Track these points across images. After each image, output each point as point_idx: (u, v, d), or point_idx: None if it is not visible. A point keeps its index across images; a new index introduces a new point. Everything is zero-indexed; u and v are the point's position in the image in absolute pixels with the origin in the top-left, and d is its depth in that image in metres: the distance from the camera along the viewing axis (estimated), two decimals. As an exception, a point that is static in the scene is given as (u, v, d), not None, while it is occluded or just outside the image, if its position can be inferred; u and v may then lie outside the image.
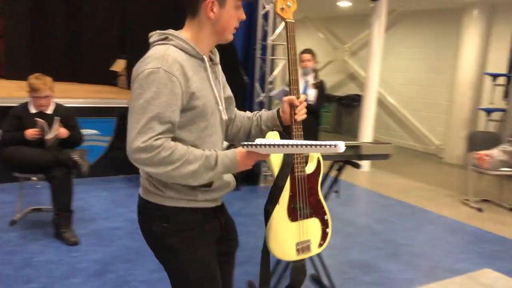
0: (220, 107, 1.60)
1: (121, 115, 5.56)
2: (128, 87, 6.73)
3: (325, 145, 1.35)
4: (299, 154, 1.84)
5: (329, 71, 10.82)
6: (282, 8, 1.84)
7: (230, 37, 1.63)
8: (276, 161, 1.79)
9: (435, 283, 3.28)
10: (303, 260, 1.96)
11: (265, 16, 5.43)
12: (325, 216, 1.95)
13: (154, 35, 1.59)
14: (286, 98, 1.77)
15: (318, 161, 1.95)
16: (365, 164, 6.86)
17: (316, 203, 1.93)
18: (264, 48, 5.45)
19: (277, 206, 1.82)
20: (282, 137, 1.76)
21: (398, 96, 9.13)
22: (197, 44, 1.56)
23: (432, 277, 3.37)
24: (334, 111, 10.33)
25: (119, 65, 7.38)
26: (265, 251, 1.84)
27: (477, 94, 7.47)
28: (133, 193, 4.94)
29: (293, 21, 1.85)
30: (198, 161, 1.44)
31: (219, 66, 1.70)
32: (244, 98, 5.51)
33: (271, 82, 5.46)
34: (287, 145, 1.39)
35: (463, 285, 3.30)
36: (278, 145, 1.41)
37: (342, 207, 4.91)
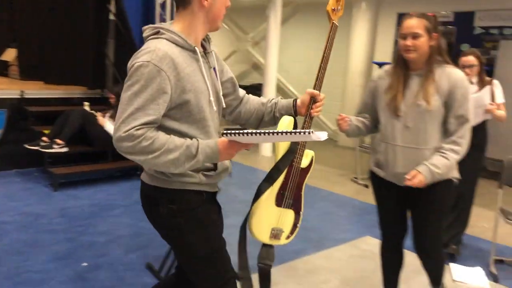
0: (211, 98, 1.62)
1: (12, 106, 5.29)
2: (20, 77, 6.40)
3: (302, 133, 1.40)
4: (302, 147, 1.93)
5: (233, 61, 11.02)
6: (333, 10, 1.98)
7: (220, 25, 1.68)
8: (282, 146, 1.86)
9: (322, 252, 3.61)
10: (272, 247, 2.02)
11: (163, 6, 5.45)
12: (300, 212, 2.03)
13: (147, 30, 1.62)
14: (309, 91, 1.88)
15: (312, 159, 2.04)
16: (268, 149, 7.17)
17: (298, 197, 2.00)
18: (162, 37, 5.47)
19: (271, 187, 1.91)
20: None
21: (298, 84, 9.59)
22: (189, 36, 1.60)
23: (320, 247, 3.69)
24: (239, 100, 10.58)
25: (9, 54, 6.95)
26: (243, 235, 1.93)
27: (366, 81, 8.09)
28: (28, 187, 4.77)
29: (338, 25, 1.97)
30: (178, 149, 1.49)
31: (214, 53, 1.73)
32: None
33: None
34: (266, 133, 1.42)
35: (346, 251, 3.66)
36: (258, 133, 1.42)
37: (242, 190, 5.13)
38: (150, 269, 3.11)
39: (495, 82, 3.63)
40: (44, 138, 4.86)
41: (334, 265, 3.39)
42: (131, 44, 5.25)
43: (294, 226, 2.03)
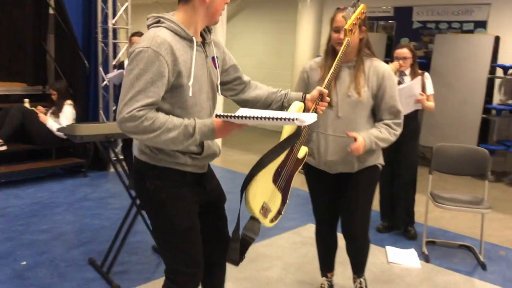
0: (190, 83, 1.68)
1: None
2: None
3: (289, 118, 1.50)
4: (304, 136, 2.02)
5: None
6: (350, 30, 2.11)
7: (218, 20, 1.77)
8: (289, 128, 1.94)
9: (265, 240, 3.71)
10: (259, 222, 1.92)
11: (104, 1, 5.36)
12: (286, 202, 2.03)
13: (150, 19, 1.72)
14: (319, 89, 1.96)
15: (305, 153, 2.09)
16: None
17: (287, 186, 2.02)
18: (105, 31, 5.40)
19: (272, 162, 1.93)
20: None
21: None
22: (188, 26, 1.69)
23: (264, 236, 3.78)
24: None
25: None
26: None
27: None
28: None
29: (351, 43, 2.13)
30: (177, 128, 1.60)
31: (213, 42, 1.83)
32: (88, 83, 5.40)
33: (115, 66, 5.43)
34: (258, 117, 1.52)
35: (289, 239, 3.78)
36: (249, 117, 1.53)
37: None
38: (92, 264, 3.11)
39: (426, 74, 3.83)
40: (-18, 137, 4.71)
41: (277, 252, 3.50)
42: (72, 39, 5.14)
43: (278, 213, 2.03)
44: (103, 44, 5.44)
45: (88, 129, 2.59)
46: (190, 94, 1.71)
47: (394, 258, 3.47)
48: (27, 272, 2.98)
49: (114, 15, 5.44)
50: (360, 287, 2.73)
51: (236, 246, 1.86)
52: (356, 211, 2.50)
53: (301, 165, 2.09)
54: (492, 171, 6.10)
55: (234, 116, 1.56)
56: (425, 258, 3.50)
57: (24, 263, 3.10)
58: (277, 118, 1.53)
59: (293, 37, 8.34)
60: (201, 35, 1.80)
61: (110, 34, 5.37)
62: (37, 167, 5.05)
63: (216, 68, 1.85)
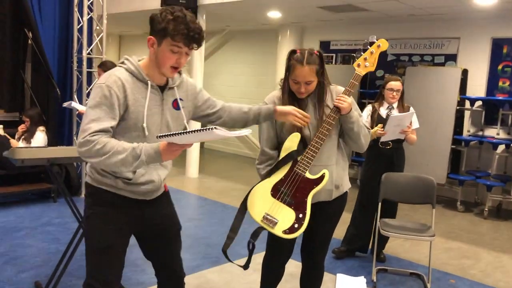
0: (144, 125, 1.86)
1: None
2: None
3: (203, 130, 1.64)
4: (308, 157, 2.25)
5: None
6: (359, 64, 2.33)
7: (167, 73, 1.88)
8: (284, 151, 2.27)
9: (217, 267, 3.75)
10: (263, 229, 2.30)
11: (80, 30, 5.56)
12: (301, 215, 2.24)
13: (121, 59, 1.95)
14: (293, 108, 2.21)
15: (323, 176, 2.27)
16: (194, 171, 7.31)
17: (300, 201, 2.26)
18: (80, 60, 5.58)
19: (268, 178, 2.30)
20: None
21: (232, 108, 9.82)
22: (148, 70, 1.90)
23: (217, 263, 3.83)
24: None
25: None
26: (243, 206, 2.32)
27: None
28: None
29: (361, 75, 2.32)
30: (126, 151, 1.73)
31: (181, 85, 2.01)
32: (60, 110, 5.54)
33: (88, 94, 5.58)
34: (191, 132, 1.64)
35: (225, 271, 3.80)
36: (184, 133, 1.65)
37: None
38: (37, 287, 3.15)
39: (412, 109, 3.91)
40: (-48, 162, 4.81)
41: (225, 278, 3.53)
42: (46, 68, 5.31)
43: (294, 226, 2.24)
44: (77, 73, 5.61)
45: (29, 153, 2.69)
46: (147, 133, 1.88)
47: (342, 285, 3.50)
48: (-28, 294, 3.03)
49: (89, 44, 5.63)
50: None
51: (228, 244, 2.42)
52: (326, 242, 2.57)
53: (318, 185, 2.28)
54: (461, 201, 6.17)
55: (173, 135, 1.68)
56: (373, 285, 3.53)
57: (-29, 285, 3.15)
58: (199, 130, 1.66)
59: (274, 68, 8.54)
60: (167, 79, 1.96)
61: (85, 63, 5.54)
62: (7, 192, 5.13)
63: (179, 109, 1.99)
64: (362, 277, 3.66)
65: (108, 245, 1.93)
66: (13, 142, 5.06)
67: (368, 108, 3.97)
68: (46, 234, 4.26)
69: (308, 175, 2.28)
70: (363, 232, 4.02)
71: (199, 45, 1.85)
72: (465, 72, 6.37)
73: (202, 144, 9.87)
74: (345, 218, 4.13)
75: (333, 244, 4.27)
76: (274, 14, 7.35)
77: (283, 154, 2.31)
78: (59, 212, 4.95)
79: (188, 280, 3.43)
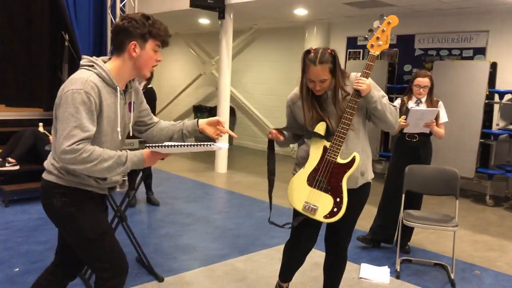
0: (118, 129, 2.01)
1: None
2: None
3: (204, 145, 1.88)
4: (337, 143, 2.38)
5: (199, 83, 11.44)
6: (372, 45, 2.41)
7: (147, 74, 2.05)
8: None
9: (244, 256, 3.90)
10: (304, 216, 2.49)
11: (113, 32, 5.81)
12: (338, 199, 2.41)
13: (84, 60, 1.99)
14: (217, 118, 2.31)
15: (354, 158, 2.41)
16: (223, 167, 7.49)
17: (336, 186, 2.42)
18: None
19: (302, 169, 2.50)
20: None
21: (260, 105, 9.98)
22: (117, 75, 1.98)
23: (244, 252, 3.98)
24: (206, 121, 10.93)
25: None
26: (270, 150, 2.67)
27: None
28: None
29: (375, 54, 2.39)
30: (112, 159, 1.87)
31: (135, 91, 2.16)
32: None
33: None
34: (178, 146, 1.93)
35: (267, 255, 3.95)
36: (171, 146, 1.93)
37: (188, 203, 5.43)
38: (77, 272, 3.37)
39: (440, 103, 3.99)
40: (-3, 157, 5.13)
41: (252, 267, 3.68)
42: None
43: (333, 211, 2.43)
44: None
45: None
46: (120, 137, 2.04)
47: (365, 274, 3.59)
48: (18, 277, 3.28)
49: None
50: None
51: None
52: (349, 230, 2.68)
53: (350, 168, 2.42)
54: (490, 195, 6.12)
55: (161, 146, 1.93)
56: (396, 275, 3.61)
57: (17, 269, 3.40)
58: (196, 145, 1.93)
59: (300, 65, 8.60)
60: (126, 85, 2.09)
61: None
62: (47, 186, 5.42)
63: (131, 111, 2.14)
64: (386, 267, 3.74)
65: (103, 231, 2.07)
66: (52, 138, 5.34)
67: (397, 102, 4.05)
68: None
69: (339, 160, 2.42)
70: (388, 223, 4.09)
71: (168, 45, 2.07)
72: (494, 66, 6.30)
73: (230, 141, 10.07)
74: (372, 210, 4.24)
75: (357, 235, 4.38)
76: (301, 12, 7.45)
77: (312, 142, 2.49)
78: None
79: (217, 267, 3.63)
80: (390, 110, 2.47)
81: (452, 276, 3.58)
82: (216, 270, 3.59)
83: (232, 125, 10.46)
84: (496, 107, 6.46)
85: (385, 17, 2.44)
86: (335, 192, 2.44)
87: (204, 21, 9.16)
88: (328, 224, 2.69)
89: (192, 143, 1.93)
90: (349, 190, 2.47)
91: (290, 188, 2.54)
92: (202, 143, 1.91)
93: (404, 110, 3.91)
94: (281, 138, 2.61)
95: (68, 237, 2.09)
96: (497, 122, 6.41)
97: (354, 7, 6.81)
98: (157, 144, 1.95)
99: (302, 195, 2.50)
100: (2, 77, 6.50)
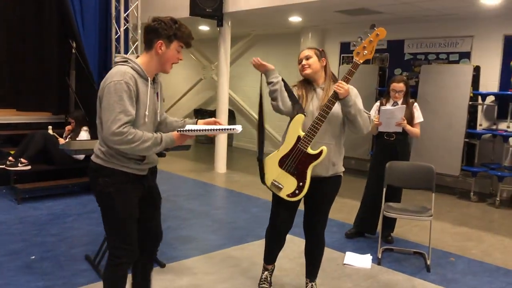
0: (146, 112, 2.33)
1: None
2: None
3: (229, 129, 2.35)
4: (309, 135, 2.74)
5: (200, 88, 11.82)
6: (358, 53, 2.72)
7: (168, 70, 2.41)
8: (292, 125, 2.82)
9: (239, 245, 4.25)
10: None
11: (118, 40, 6.19)
12: (301, 183, 2.81)
13: (118, 58, 2.36)
14: (215, 119, 2.57)
15: (321, 152, 2.76)
16: (222, 167, 7.85)
17: (302, 172, 2.80)
18: (118, 67, 6.20)
19: (277, 151, 2.87)
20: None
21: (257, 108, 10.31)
22: (146, 68, 2.33)
23: (240, 242, 4.33)
24: (207, 124, 11.28)
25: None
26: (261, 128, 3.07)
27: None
28: (-6, 201, 5.40)
29: (359, 62, 2.71)
30: (150, 140, 2.24)
31: (159, 84, 2.51)
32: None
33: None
34: (204, 130, 2.41)
35: (261, 244, 4.27)
36: (199, 130, 2.38)
37: (189, 200, 5.78)
38: (88, 259, 3.73)
39: (416, 104, 4.37)
40: (10, 158, 5.51)
41: (246, 255, 4.03)
42: (89, 75, 5.96)
43: (294, 192, 2.84)
44: (116, 78, 6.23)
45: (80, 145, 3.27)
46: (147, 120, 2.37)
47: (349, 261, 3.94)
48: (34, 264, 3.64)
49: (126, 52, 6.24)
50: None
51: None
52: (324, 217, 3.05)
53: (317, 159, 2.77)
54: (475, 192, 6.47)
55: (188, 130, 2.35)
56: (377, 261, 3.95)
57: (33, 257, 3.76)
58: (219, 129, 2.44)
59: (297, 69, 8.96)
60: (154, 76, 2.47)
61: (122, 69, 6.15)
62: (56, 185, 5.81)
63: (158, 101, 2.51)
64: (369, 254, 4.08)
65: (131, 214, 2.43)
66: (61, 140, 5.72)
67: (376, 104, 4.42)
68: (91, 219, 4.87)
69: (309, 150, 2.79)
70: (370, 215, 4.45)
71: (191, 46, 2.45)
72: (477, 69, 6.66)
73: (230, 143, 10.42)
74: (357, 205, 4.61)
75: (346, 227, 4.73)
76: (295, 19, 7.82)
77: (289, 130, 2.86)
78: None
79: (214, 255, 3.99)
80: (362, 117, 2.85)
81: (428, 262, 3.93)
82: (214, 258, 3.95)
83: (231, 128, 10.80)
84: (480, 108, 6.81)
85: (375, 28, 2.75)
86: (300, 176, 2.82)
87: (204, 28, 9.54)
88: (305, 213, 3.08)
89: (214, 127, 2.38)
90: (320, 178, 2.86)
91: (267, 162, 2.90)
92: (223, 127, 2.39)
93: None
94: (266, 65, 2.94)
95: (102, 211, 2.45)
96: (480, 123, 6.76)
97: (345, 15, 7.17)
98: (185, 129, 2.34)
99: (273, 173, 2.88)
100: (14, 83, 6.90)
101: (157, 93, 2.49)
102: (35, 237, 4.24)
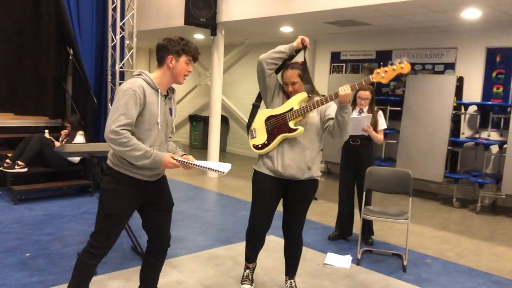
0: (158, 120, 2.57)
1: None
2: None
3: (217, 170, 2.58)
4: (298, 113, 2.97)
5: (195, 94, 12.05)
6: (378, 73, 2.88)
7: (181, 81, 2.65)
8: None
9: (226, 246, 4.45)
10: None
11: (114, 47, 6.41)
12: (266, 142, 3.09)
13: (136, 71, 2.64)
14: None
15: (297, 130, 3.00)
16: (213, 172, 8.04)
17: (274, 135, 3.07)
18: (113, 74, 6.42)
19: (271, 109, 3.10)
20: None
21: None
22: (158, 81, 2.59)
23: (226, 243, 4.53)
24: (201, 130, 11.49)
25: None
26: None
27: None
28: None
29: (373, 80, 2.88)
30: (142, 151, 2.45)
31: (173, 99, 2.74)
32: (99, 117, 6.38)
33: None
34: (196, 165, 2.58)
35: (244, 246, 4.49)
36: (191, 164, 2.57)
37: (180, 203, 5.98)
38: (80, 257, 3.92)
39: (380, 112, 4.61)
40: (7, 160, 5.70)
41: (232, 254, 4.23)
42: (85, 80, 6.17)
43: (258, 146, 3.14)
44: (111, 84, 6.45)
45: (74, 148, 3.47)
46: (159, 127, 2.61)
47: (329, 261, 4.14)
48: (28, 260, 3.82)
49: (121, 59, 6.47)
50: (290, 287, 3.40)
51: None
52: (300, 218, 3.24)
53: (290, 133, 3.01)
54: (457, 198, 6.69)
55: (180, 161, 2.58)
56: (357, 262, 4.16)
57: (28, 254, 3.95)
58: (208, 168, 2.62)
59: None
60: (168, 91, 2.71)
61: (118, 76, 6.38)
62: (51, 187, 6.00)
63: (171, 115, 2.74)
64: (349, 255, 4.29)
65: (118, 214, 2.64)
66: (57, 144, 5.91)
67: None
68: (85, 220, 5.06)
69: (290, 123, 3.01)
70: (345, 218, 4.74)
71: (198, 59, 2.70)
72: (460, 79, 6.91)
73: (223, 148, 10.64)
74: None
75: (330, 230, 4.93)
76: (286, 29, 8.06)
77: (291, 100, 3.08)
78: (96, 203, 5.72)
79: (201, 254, 4.20)
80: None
81: (405, 263, 4.13)
82: (200, 257, 4.14)
83: (225, 134, 11.04)
84: (463, 117, 7.05)
85: (405, 62, 2.86)
86: (270, 137, 3.10)
87: (198, 36, 9.77)
88: (283, 213, 3.29)
89: (204, 164, 2.60)
90: (296, 181, 3.08)
91: (257, 114, 3.20)
92: (213, 167, 2.61)
93: None
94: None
95: (98, 204, 2.68)
96: (463, 131, 7.00)
97: (335, 26, 7.42)
98: (178, 158, 2.56)
99: (256, 123, 3.18)
100: (12, 88, 7.11)
101: (170, 109, 2.73)
102: (30, 236, 4.43)
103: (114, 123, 2.41)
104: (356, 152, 4.56)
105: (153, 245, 2.91)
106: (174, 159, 2.54)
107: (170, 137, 2.88)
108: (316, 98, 3.03)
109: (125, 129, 2.43)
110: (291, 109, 3.04)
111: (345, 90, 2.88)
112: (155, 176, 2.71)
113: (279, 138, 3.05)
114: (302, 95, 3.05)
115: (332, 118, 3.04)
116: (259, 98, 3.26)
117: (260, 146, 3.13)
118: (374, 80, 2.90)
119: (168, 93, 2.71)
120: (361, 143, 4.53)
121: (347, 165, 4.61)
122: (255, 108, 3.23)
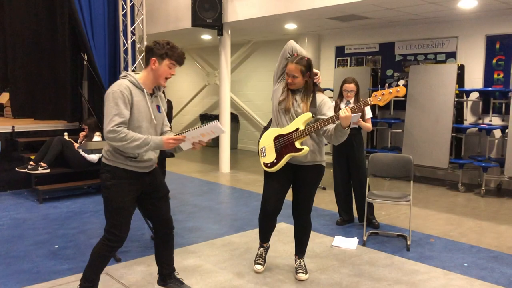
0: (152, 116, 2.85)
1: (6, 139, 6.50)
2: (12, 116, 7.68)
3: (213, 131, 2.80)
4: (303, 133, 3.21)
5: (205, 93, 12.35)
6: (375, 95, 3.08)
7: (162, 83, 2.88)
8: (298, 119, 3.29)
9: (239, 233, 4.73)
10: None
11: (126, 51, 6.72)
12: (275, 161, 3.32)
13: (122, 74, 2.87)
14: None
15: (303, 150, 3.23)
16: (226, 167, 8.34)
17: (282, 154, 3.31)
18: (126, 77, 6.73)
19: (279, 128, 3.34)
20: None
21: (260, 111, 10.84)
22: (143, 82, 2.83)
23: (239, 230, 4.81)
24: (212, 128, 11.79)
25: (4, 98, 8.22)
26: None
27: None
28: (19, 202, 5.93)
29: (371, 103, 3.10)
30: (140, 139, 2.71)
31: (160, 97, 2.99)
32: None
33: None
34: (188, 131, 2.79)
35: (257, 232, 4.76)
36: (187, 131, 2.78)
37: (195, 197, 6.28)
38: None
39: (368, 108, 4.84)
40: (31, 162, 6.04)
41: (244, 241, 4.50)
42: (100, 84, 6.49)
43: (268, 165, 3.39)
44: (125, 87, 6.76)
45: (96, 145, 3.77)
46: (149, 124, 2.87)
47: (337, 243, 4.40)
48: (58, 251, 4.15)
49: (133, 62, 6.78)
50: (299, 266, 3.67)
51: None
52: (308, 201, 3.52)
53: (296, 152, 3.25)
54: (463, 183, 6.89)
55: (180, 134, 2.85)
56: (363, 243, 4.41)
57: (57, 246, 4.27)
58: (201, 127, 2.82)
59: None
60: (153, 90, 2.96)
61: (130, 78, 6.68)
62: (73, 186, 6.34)
63: (159, 112, 2.98)
64: (355, 238, 4.54)
65: (124, 206, 2.89)
66: (76, 145, 6.25)
67: (332, 104, 4.90)
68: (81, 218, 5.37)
69: (296, 143, 3.26)
70: (344, 203, 5.05)
71: (183, 64, 2.92)
72: (461, 68, 7.09)
73: (235, 145, 10.93)
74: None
75: (337, 217, 5.18)
76: (291, 26, 8.31)
77: (296, 120, 3.31)
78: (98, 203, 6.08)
79: (216, 241, 4.49)
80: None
81: (409, 243, 4.37)
82: (216, 244, 4.43)
83: (235, 131, 11.32)
84: (465, 104, 7.23)
85: (401, 84, 3.17)
86: (278, 156, 3.35)
87: (206, 37, 10.06)
88: (293, 198, 3.57)
89: (199, 126, 2.81)
90: (301, 166, 3.37)
91: (265, 133, 3.47)
92: (207, 132, 2.83)
93: (337, 110, 4.73)
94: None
95: (103, 201, 2.94)
96: (466, 118, 7.19)
97: (338, 21, 7.65)
98: (181, 133, 2.84)
99: (265, 142, 3.43)
100: (31, 94, 7.47)
101: (158, 106, 2.98)
102: (58, 230, 4.76)
103: (110, 123, 2.66)
104: (347, 143, 4.75)
105: (159, 231, 3.18)
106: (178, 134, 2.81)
107: (170, 130, 3.12)
108: (321, 117, 3.28)
109: (120, 127, 2.68)
110: (297, 129, 3.27)
111: (345, 112, 3.08)
112: (148, 168, 2.97)
113: (286, 157, 3.31)
114: (307, 115, 3.26)
115: (327, 118, 3.21)
116: (270, 122, 3.54)
117: (269, 164, 3.38)
118: (372, 103, 3.13)
119: (154, 91, 2.94)
120: (351, 133, 4.72)
121: (339, 158, 4.92)
122: (265, 129, 3.53)
